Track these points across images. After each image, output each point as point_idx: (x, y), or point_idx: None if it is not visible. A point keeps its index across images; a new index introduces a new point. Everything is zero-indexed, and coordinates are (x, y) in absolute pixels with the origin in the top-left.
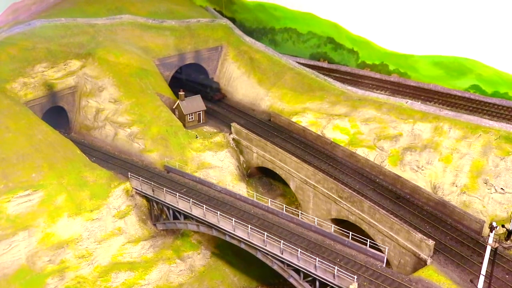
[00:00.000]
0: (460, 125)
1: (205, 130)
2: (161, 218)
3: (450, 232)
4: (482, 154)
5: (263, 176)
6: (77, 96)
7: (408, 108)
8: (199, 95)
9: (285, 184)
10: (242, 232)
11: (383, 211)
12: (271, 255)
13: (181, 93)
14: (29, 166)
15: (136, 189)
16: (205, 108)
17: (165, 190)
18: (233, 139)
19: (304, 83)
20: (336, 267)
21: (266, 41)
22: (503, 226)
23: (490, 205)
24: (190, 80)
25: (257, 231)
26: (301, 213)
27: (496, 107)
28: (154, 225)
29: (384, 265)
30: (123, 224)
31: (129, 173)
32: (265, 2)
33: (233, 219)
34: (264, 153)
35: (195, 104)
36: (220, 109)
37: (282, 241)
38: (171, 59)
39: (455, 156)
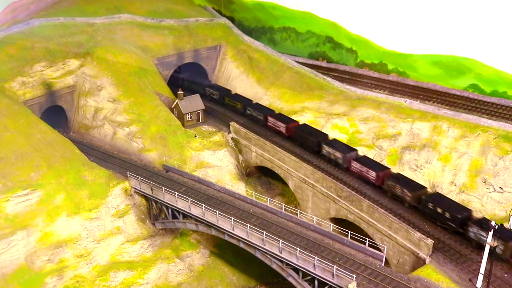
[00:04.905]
0: (459, 124)
1: (204, 129)
2: (160, 217)
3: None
4: (481, 153)
5: (262, 175)
6: (76, 95)
7: (407, 107)
8: (197, 94)
9: (284, 183)
10: (241, 231)
11: (382, 210)
12: (270, 254)
13: (180, 92)
14: (28, 166)
15: (135, 188)
16: (204, 107)
17: (164, 189)
18: (232, 138)
19: (303, 82)
20: (335, 266)
21: (265, 40)
22: (502, 225)
23: (489, 204)
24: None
25: (256, 230)
26: (300, 212)
27: (495, 106)
28: (153, 224)
29: (383, 264)
30: (122, 223)
31: (128, 172)
32: (264, 1)
33: (232, 218)
34: (263, 152)
35: (194, 103)
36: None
37: (281, 240)
38: (170, 58)
39: (453, 155)
